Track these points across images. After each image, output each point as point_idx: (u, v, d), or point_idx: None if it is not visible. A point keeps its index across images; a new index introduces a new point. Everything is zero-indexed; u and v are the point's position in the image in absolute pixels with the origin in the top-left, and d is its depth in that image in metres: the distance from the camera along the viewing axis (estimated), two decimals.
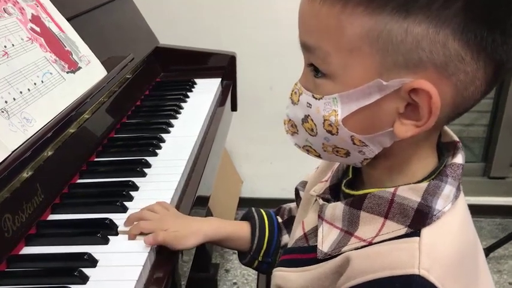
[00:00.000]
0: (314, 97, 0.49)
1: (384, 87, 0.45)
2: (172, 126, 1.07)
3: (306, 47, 0.49)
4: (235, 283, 1.73)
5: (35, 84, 0.78)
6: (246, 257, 0.74)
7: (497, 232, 1.87)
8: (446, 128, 0.55)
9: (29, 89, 0.76)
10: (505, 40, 0.43)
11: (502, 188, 1.99)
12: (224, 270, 1.77)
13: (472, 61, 0.43)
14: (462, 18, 0.42)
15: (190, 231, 0.70)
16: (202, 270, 1.57)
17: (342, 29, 0.45)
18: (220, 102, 1.28)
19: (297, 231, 0.61)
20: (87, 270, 0.62)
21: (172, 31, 1.54)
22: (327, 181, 0.60)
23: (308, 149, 0.54)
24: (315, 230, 0.57)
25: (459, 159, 0.51)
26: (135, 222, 0.71)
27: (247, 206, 2.20)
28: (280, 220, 0.76)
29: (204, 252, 1.55)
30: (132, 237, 0.69)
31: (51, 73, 0.83)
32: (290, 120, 0.53)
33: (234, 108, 1.41)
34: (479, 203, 1.90)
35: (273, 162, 1.99)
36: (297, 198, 0.73)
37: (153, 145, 0.96)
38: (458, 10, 0.42)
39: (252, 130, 1.90)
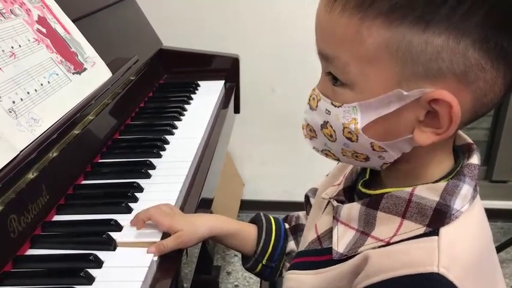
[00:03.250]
0: (333, 104, 0.49)
1: (403, 97, 0.45)
2: (176, 128, 1.07)
3: (324, 56, 0.49)
4: (236, 285, 1.72)
5: (41, 85, 0.79)
6: (250, 261, 0.74)
7: (499, 236, 1.87)
8: (459, 131, 0.55)
9: (36, 90, 0.77)
10: None
11: (503, 192, 1.99)
12: (226, 273, 1.77)
13: (492, 69, 0.44)
14: (483, 28, 0.42)
15: (196, 225, 0.70)
16: (204, 272, 1.57)
17: (360, 40, 0.45)
18: (223, 104, 1.28)
19: (310, 235, 0.60)
20: (92, 271, 0.62)
21: (175, 33, 1.55)
22: (339, 184, 0.60)
23: (327, 153, 0.54)
24: (329, 232, 0.57)
25: (475, 159, 0.52)
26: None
27: (249, 209, 2.19)
28: (287, 226, 0.76)
29: (206, 254, 1.55)
30: (138, 223, 0.69)
31: (57, 74, 0.83)
32: (308, 125, 0.53)
33: (237, 110, 1.41)
34: None
35: (275, 164, 1.99)
36: (307, 205, 0.73)
37: (157, 147, 0.97)
38: (478, 21, 0.42)
39: (253, 132, 1.90)
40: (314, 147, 0.55)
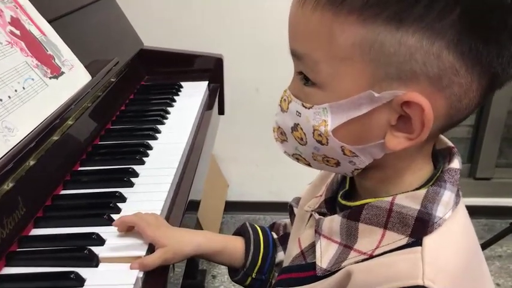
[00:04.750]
0: (304, 106, 0.47)
1: (375, 99, 0.43)
2: (159, 132, 1.04)
3: (295, 54, 0.47)
4: None
5: (15, 91, 0.74)
6: (239, 274, 0.72)
7: (483, 233, 1.88)
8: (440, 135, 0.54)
9: (9, 96, 0.72)
10: (500, 52, 0.42)
11: (487, 189, 2.01)
12: (211, 276, 1.74)
13: (466, 74, 0.42)
14: (457, 29, 0.41)
15: (181, 242, 0.67)
16: (190, 277, 1.54)
17: (333, 37, 0.43)
18: (207, 106, 1.25)
19: (294, 249, 0.59)
20: None
21: (156, 32, 1.51)
22: (321, 196, 0.59)
23: (298, 157, 0.52)
24: (312, 246, 0.55)
25: (456, 164, 0.50)
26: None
27: (234, 210, 2.16)
28: (275, 236, 0.74)
29: (191, 258, 1.52)
30: (121, 226, 0.69)
31: (33, 79, 0.79)
32: (279, 127, 0.51)
33: (221, 111, 1.39)
34: (465, 204, 1.91)
35: (260, 165, 1.97)
36: (291, 215, 0.71)
37: (140, 153, 0.93)
38: (453, 21, 0.40)
39: (237, 132, 1.87)
40: (285, 152, 0.53)
